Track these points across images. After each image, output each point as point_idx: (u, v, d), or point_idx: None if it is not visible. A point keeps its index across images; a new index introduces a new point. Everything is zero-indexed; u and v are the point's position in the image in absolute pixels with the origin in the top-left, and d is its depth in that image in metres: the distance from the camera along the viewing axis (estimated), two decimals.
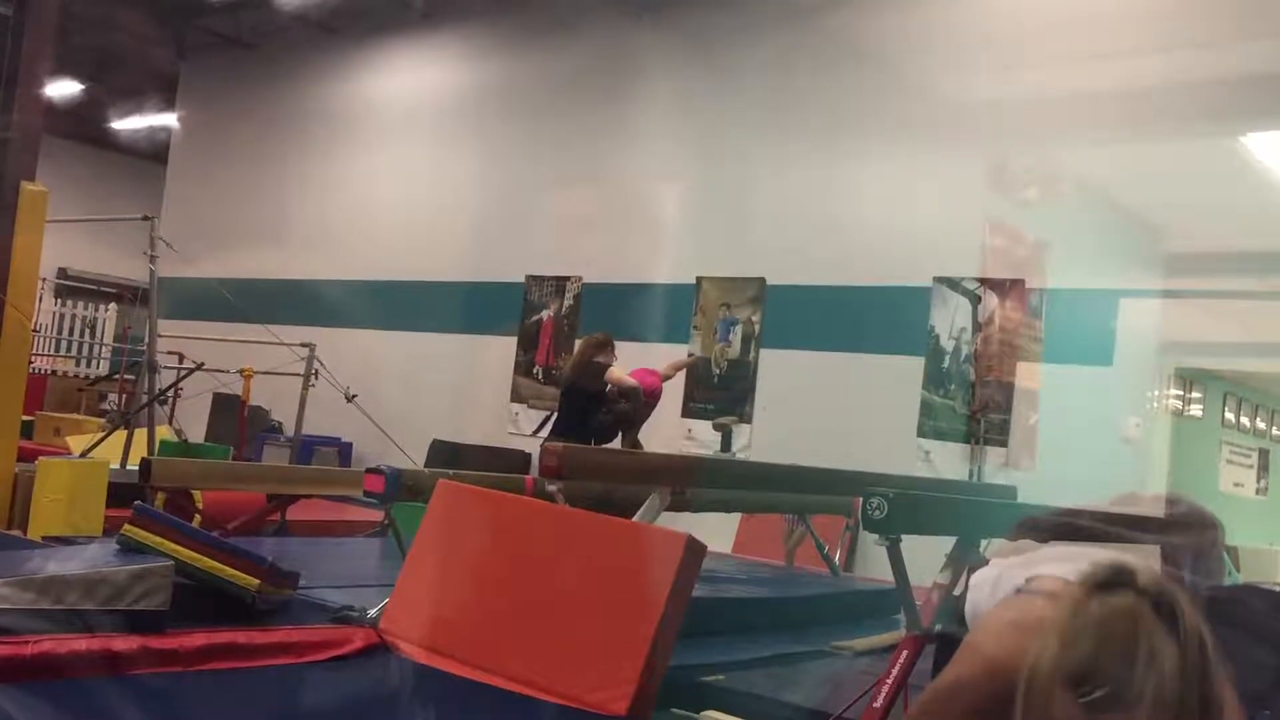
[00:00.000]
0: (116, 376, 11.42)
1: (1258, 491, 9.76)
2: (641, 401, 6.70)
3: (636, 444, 6.84)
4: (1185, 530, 1.67)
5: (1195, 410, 8.61)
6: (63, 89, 12.41)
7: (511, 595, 3.58)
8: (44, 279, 10.10)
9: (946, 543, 3.53)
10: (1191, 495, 1.75)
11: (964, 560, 3.37)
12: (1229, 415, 9.33)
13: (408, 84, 11.58)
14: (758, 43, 8.87)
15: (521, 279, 10.18)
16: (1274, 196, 6.50)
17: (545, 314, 9.97)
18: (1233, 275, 6.37)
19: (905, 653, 3.18)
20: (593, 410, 6.49)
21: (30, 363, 7.57)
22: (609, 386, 6.51)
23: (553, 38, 10.30)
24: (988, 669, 1.60)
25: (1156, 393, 6.87)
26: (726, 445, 8.55)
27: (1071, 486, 3.45)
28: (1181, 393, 8.18)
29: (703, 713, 3.50)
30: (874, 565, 6.67)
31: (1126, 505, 1.75)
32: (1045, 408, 6.97)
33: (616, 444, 6.68)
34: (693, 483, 4.55)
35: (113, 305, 14.51)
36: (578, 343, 7.55)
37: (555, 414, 6.97)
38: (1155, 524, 1.63)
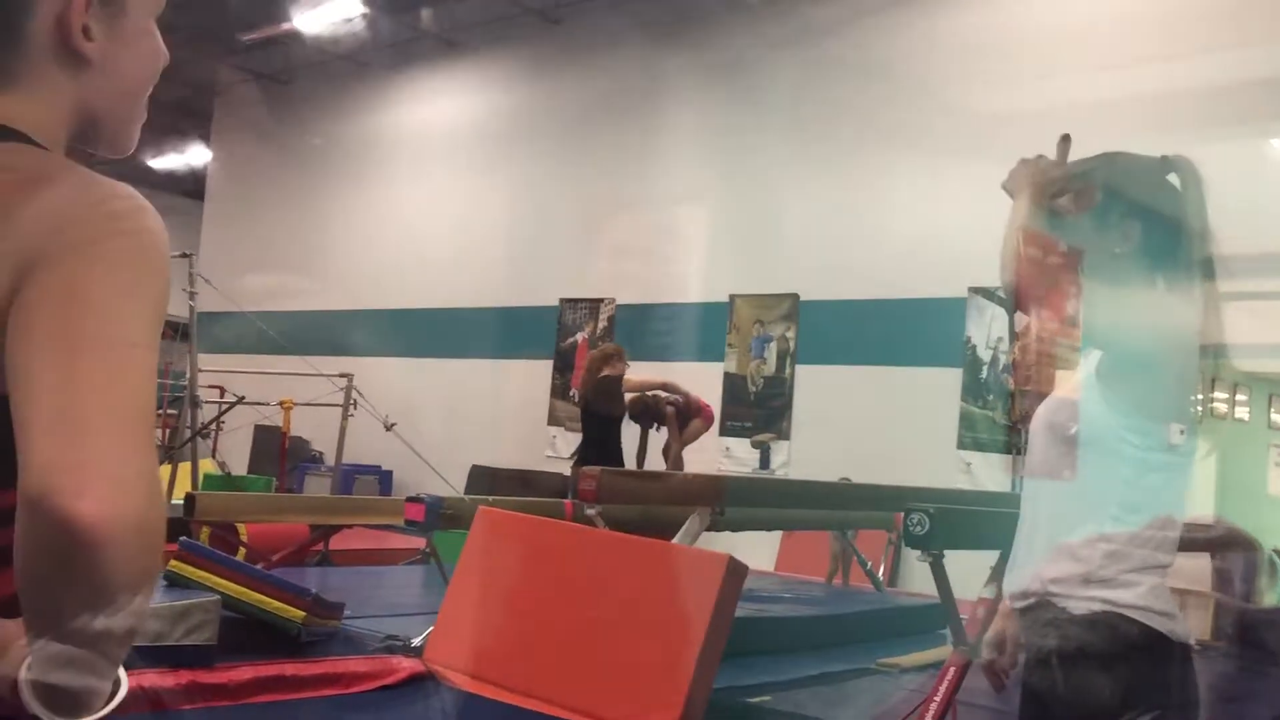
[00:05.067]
0: (159, 412, 11.57)
1: None
2: (664, 403, 6.60)
3: (679, 457, 6.75)
4: (1227, 552, 1.66)
5: (1241, 413, 8.47)
6: None
7: (554, 620, 3.58)
8: None
9: (992, 555, 3.49)
10: (1228, 519, 1.74)
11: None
12: (1276, 417, 9.17)
13: (438, 114, 11.69)
14: (783, 61, 8.87)
15: (555, 302, 10.22)
16: None
17: (580, 336, 10.00)
18: (1275, 276, 6.28)
19: (952, 669, 3.15)
20: (614, 428, 6.35)
21: None
22: (629, 397, 6.37)
23: (579, 63, 10.37)
24: None
25: (1200, 397, 6.77)
26: (765, 463, 8.52)
27: None
28: (1226, 396, 8.06)
29: None
30: (919, 580, 6.60)
31: (1165, 530, 1.72)
32: None
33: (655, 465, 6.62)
34: (732, 503, 4.53)
35: None
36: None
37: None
38: (1198, 546, 1.62)
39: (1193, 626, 5.13)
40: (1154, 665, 1.67)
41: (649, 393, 6.64)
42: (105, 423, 0.73)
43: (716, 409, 8.68)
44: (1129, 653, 1.66)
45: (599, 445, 6.24)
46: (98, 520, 0.69)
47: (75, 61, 0.91)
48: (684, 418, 6.74)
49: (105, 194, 0.83)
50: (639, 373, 6.82)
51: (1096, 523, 1.71)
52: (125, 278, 0.79)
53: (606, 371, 6.35)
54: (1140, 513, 1.70)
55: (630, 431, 6.60)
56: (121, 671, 0.79)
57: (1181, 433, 1.72)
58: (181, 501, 5.52)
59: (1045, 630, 1.73)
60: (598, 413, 6.37)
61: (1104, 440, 1.72)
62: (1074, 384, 1.84)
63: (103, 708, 0.77)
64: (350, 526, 6.29)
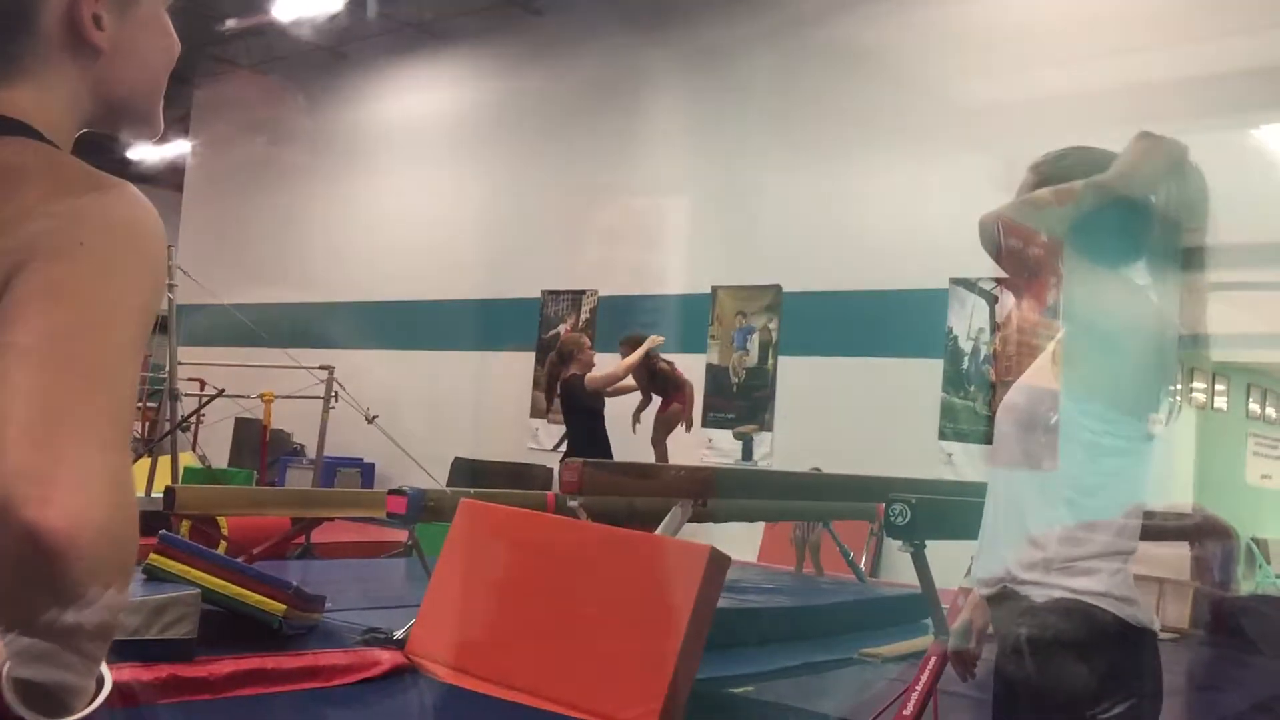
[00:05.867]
0: (139, 405, 11.50)
1: None
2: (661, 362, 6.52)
3: (663, 443, 6.71)
4: (1204, 540, 1.68)
5: (1220, 403, 8.54)
6: None
7: (536, 613, 3.58)
8: None
9: (973, 545, 3.50)
10: (1205, 507, 1.76)
11: None
12: (1254, 407, 9.24)
13: (419, 105, 11.64)
14: (765, 51, 8.87)
15: (537, 294, 10.20)
16: None
17: (562, 328, 9.98)
18: (1253, 267, 6.32)
19: (934, 659, 3.16)
20: (597, 421, 6.29)
21: None
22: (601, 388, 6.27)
23: (561, 54, 10.34)
24: None
25: (1179, 387, 6.82)
26: (748, 454, 8.54)
27: None
28: (1205, 386, 8.11)
29: None
30: (901, 570, 6.64)
31: (1126, 516, 1.74)
32: None
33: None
34: (714, 494, 4.54)
35: None
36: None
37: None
38: (1174, 535, 1.63)
39: (1171, 615, 5.18)
40: (1115, 652, 1.68)
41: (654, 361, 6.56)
42: (79, 430, 0.72)
43: (699, 401, 8.69)
44: (1090, 640, 1.67)
45: (585, 439, 6.19)
46: (63, 530, 0.68)
47: (86, 51, 0.91)
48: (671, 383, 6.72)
49: (101, 191, 0.82)
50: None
51: (1054, 509, 1.73)
52: (115, 278, 0.78)
53: (574, 370, 6.25)
54: (1098, 499, 1.71)
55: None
56: (105, 670, 0.79)
57: (1162, 423, 1.74)
58: (161, 495, 5.49)
59: (1009, 618, 1.75)
60: (577, 408, 6.31)
61: (1060, 426, 1.73)
62: (1035, 370, 1.86)
63: (85, 707, 0.76)
64: (332, 519, 6.27)
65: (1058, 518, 1.71)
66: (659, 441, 6.69)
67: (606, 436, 6.28)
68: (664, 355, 6.79)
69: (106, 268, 0.78)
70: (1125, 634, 1.68)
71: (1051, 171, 1.86)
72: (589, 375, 6.21)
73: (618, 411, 6.58)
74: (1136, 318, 1.76)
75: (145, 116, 0.98)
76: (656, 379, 6.52)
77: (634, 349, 6.31)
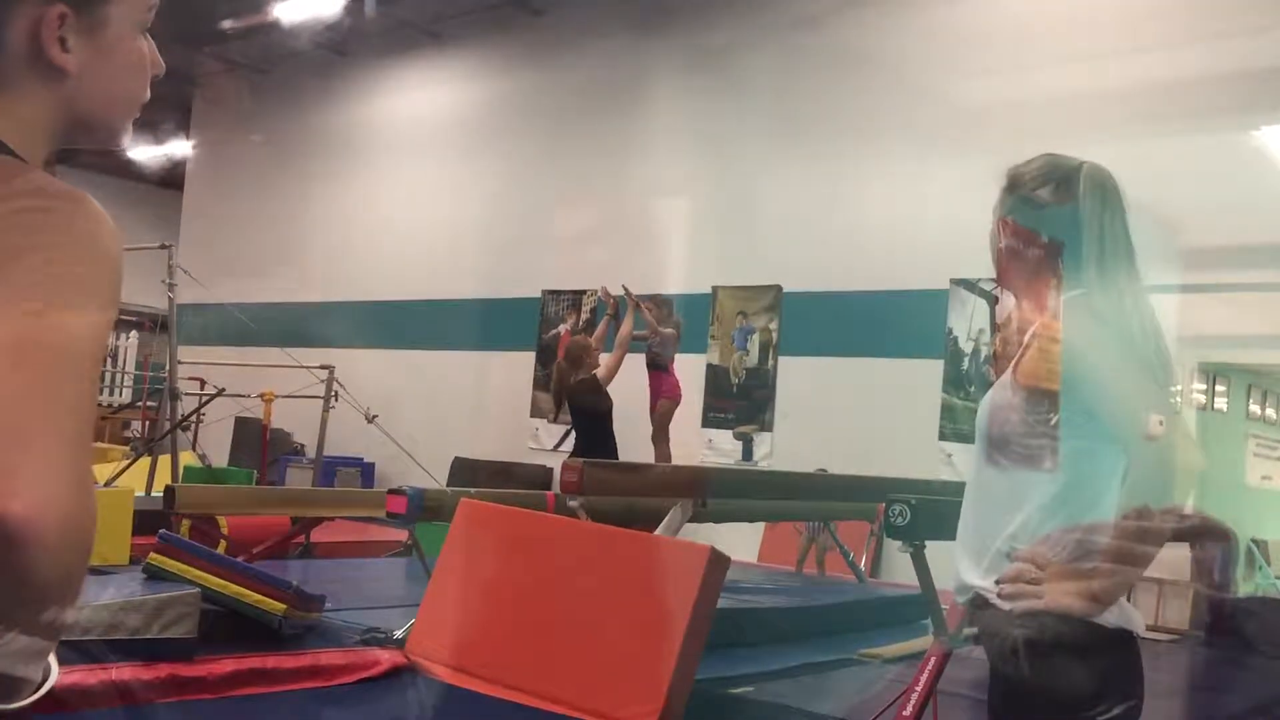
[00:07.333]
0: (139, 404, 11.49)
1: None
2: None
3: (664, 443, 6.80)
4: (1202, 542, 1.68)
5: (1220, 404, 8.54)
6: None
7: (536, 613, 3.58)
8: None
9: None
10: (1203, 509, 1.75)
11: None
12: (1254, 408, 9.24)
13: (419, 105, 11.64)
14: (765, 52, 8.87)
15: (538, 294, 10.19)
16: None
17: (562, 328, 9.98)
18: (1253, 268, 6.32)
19: (933, 659, 3.16)
20: (605, 422, 6.34)
21: None
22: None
23: (561, 54, 10.34)
24: None
25: (1179, 388, 6.82)
26: (748, 454, 8.54)
27: None
28: (1205, 387, 8.11)
29: None
30: (901, 571, 6.63)
31: (1140, 520, 1.73)
32: None
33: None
34: (714, 494, 4.54)
35: (133, 333, 14.60)
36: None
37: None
38: (1172, 538, 1.63)
39: (1171, 616, 5.18)
40: (1083, 654, 1.67)
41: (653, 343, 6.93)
42: (43, 428, 0.75)
43: (699, 401, 8.70)
44: (1057, 643, 1.66)
45: (593, 441, 6.23)
46: (25, 521, 0.71)
47: (52, 72, 0.92)
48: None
49: (60, 203, 0.84)
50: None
51: (1015, 515, 1.73)
52: (74, 286, 0.81)
53: (581, 376, 6.34)
54: (1059, 504, 1.71)
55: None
56: (53, 663, 0.81)
57: (1161, 424, 1.74)
58: (161, 494, 5.48)
59: (982, 624, 1.76)
60: (587, 411, 6.39)
61: (1020, 432, 1.75)
62: (1000, 382, 1.88)
63: (30, 696, 0.81)
64: (332, 519, 6.26)
65: (1019, 523, 1.72)
66: (659, 439, 6.74)
67: (614, 437, 6.33)
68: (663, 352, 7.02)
69: (66, 277, 0.80)
70: (1093, 635, 1.66)
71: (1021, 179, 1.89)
72: (602, 373, 6.31)
73: (621, 412, 6.62)
74: (1082, 332, 1.77)
75: (114, 135, 1.00)
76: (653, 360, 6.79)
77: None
